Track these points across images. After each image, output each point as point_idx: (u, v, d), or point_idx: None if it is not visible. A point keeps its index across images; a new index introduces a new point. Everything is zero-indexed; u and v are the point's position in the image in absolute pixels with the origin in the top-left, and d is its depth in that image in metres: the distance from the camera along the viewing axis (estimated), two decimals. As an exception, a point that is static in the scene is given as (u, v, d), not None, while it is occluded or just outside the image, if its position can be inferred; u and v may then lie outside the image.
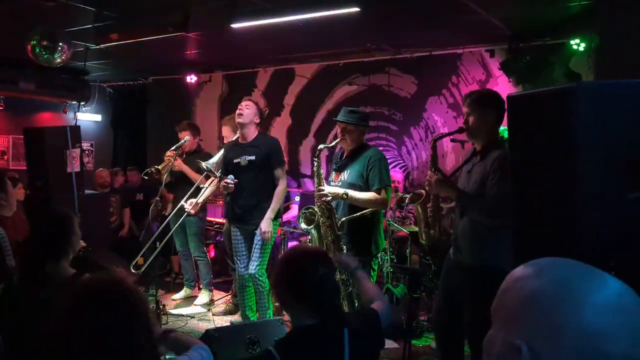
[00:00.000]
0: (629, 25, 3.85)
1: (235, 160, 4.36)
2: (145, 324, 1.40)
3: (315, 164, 3.72)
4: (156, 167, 5.27)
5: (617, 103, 1.89)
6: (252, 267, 4.32)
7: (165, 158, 5.28)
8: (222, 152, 4.66)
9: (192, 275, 5.91)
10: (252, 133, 4.37)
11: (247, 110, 4.29)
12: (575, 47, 5.18)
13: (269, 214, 4.26)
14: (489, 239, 2.94)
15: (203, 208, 5.84)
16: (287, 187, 6.37)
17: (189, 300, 5.78)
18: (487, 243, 2.95)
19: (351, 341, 1.82)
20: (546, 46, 5.46)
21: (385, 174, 3.66)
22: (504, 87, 5.79)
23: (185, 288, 5.89)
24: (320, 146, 3.79)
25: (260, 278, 4.34)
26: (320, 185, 3.65)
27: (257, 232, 4.28)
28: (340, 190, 3.61)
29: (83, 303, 1.36)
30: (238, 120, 4.30)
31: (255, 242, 4.32)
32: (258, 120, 4.38)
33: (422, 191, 3.39)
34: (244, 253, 4.43)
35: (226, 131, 5.17)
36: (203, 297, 5.65)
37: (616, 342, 0.72)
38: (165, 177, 5.24)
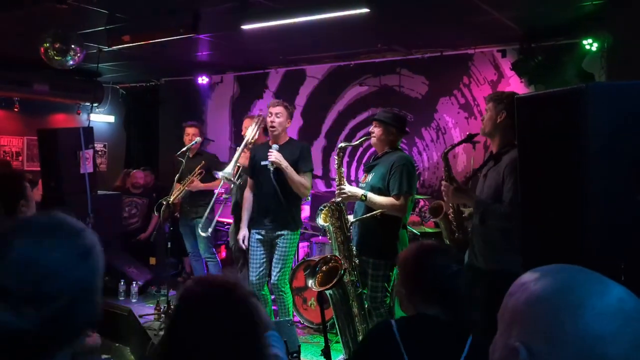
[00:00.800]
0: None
1: (262, 163, 4.21)
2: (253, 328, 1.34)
3: (337, 161, 3.71)
4: (168, 201, 5.23)
5: (628, 105, 1.87)
6: (274, 276, 4.20)
7: (176, 190, 5.31)
8: (237, 155, 4.38)
9: None
10: (283, 138, 4.26)
11: (278, 120, 4.15)
12: (587, 47, 5.12)
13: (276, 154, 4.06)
14: (503, 244, 2.91)
15: (211, 210, 5.85)
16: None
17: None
18: (501, 248, 2.93)
19: (472, 348, 1.79)
20: (558, 46, 5.41)
21: (406, 181, 3.55)
22: (515, 87, 5.75)
23: None
24: (342, 144, 3.77)
25: (283, 288, 4.23)
26: (341, 184, 3.64)
27: (279, 241, 4.17)
28: (360, 192, 3.60)
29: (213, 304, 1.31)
30: (272, 132, 4.15)
31: (277, 250, 4.19)
32: (289, 124, 4.27)
33: (441, 202, 3.36)
34: (261, 261, 4.27)
35: (247, 123, 5.13)
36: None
37: (615, 345, 0.72)
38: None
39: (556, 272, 0.82)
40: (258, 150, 4.37)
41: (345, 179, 3.70)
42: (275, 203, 4.14)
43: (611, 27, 4.63)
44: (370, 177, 3.74)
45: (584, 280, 0.79)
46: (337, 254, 3.63)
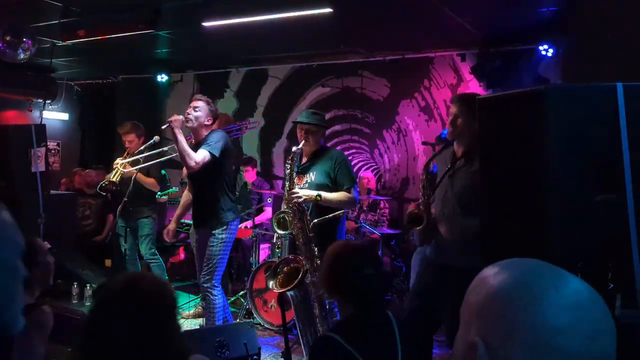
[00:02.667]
0: (596, 32, 3.93)
1: None
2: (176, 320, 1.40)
3: (288, 166, 3.69)
4: (110, 179, 5.00)
5: (586, 106, 1.91)
6: (200, 277, 4.02)
7: (114, 166, 5.07)
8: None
9: None
10: (200, 134, 4.06)
11: (194, 113, 3.99)
12: (544, 52, 5.28)
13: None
14: (473, 241, 2.94)
15: (156, 209, 5.74)
16: (260, 188, 6.35)
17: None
18: (471, 245, 2.95)
19: (401, 336, 1.95)
20: (516, 51, 5.56)
21: (352, 173, 3.76)
22: (474, 91, 5.86)
23: None
24: (294, 149, 3.76)
25: (209, 289, 3.99)
26: (292, 188, 3.62)
27: (209, 241, 3.96)
28: (314, 193, 3.59)
29: (127, 293, 1.34)
30: (186, 124, 3.99)
31: (206, 250, 3.99)
32: (209, 122, 4.05)
33: (420, 212, 3.27)
34: (200, 262, 4.10)
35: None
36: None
37: (571, 337, 0.72)
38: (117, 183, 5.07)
39: (514, 266, 0.82)
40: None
41: (296, 183, 3.69)
42: (199, 202, 4.06)
43: (566, 33, 4.78)
44: (310, 177, 3.74)
45: (540, 273, 0.79)
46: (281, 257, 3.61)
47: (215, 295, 3.99)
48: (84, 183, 6.91)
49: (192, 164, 3.78)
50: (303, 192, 3.61)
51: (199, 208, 4.09)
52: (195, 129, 4.01)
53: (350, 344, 1.86)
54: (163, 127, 3.95)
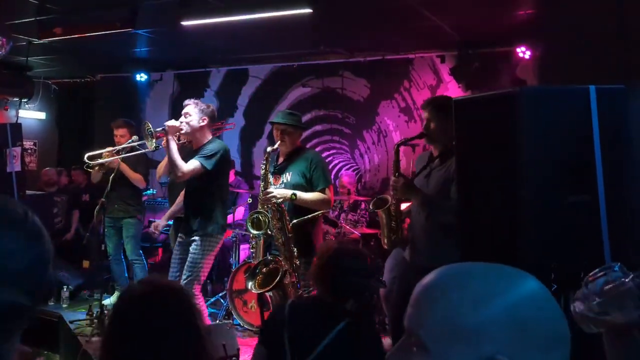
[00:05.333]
0: (571, 34, 4.00)
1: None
2: (197, 328, 1.37)
3: (263, 167, 3.68)
4: (103, 201, 4.87)
5: (559, 108, 1.94)
6: (182, 282, 3.88)
7: (104, 154, 4.99)
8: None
9: (125, 280, 5.72)
10: (201, 138, 3.97)
11: (186, 120, 3.90)
12: (521, 54, 5.35)
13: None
14: (447, 241, 2.97)
15: (142, 210, 5.68)
16: (239, 188, 6.32)
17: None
18: (443, 245, 2.98)
19: (340, 332, 2.01)
20: (494, 53, 5.63)
21: (327, 173, 3.75)
22: (454, 92, 5.91)
23: (116, 292, 5.69)
24: (268, 149, 3.74)
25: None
26: (267, 187, 3.61)
27: (191, 247, 3.89)
28: (289, 192, 3.58)
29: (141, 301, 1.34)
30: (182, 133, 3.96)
31: (189, 255, 3.90)
32: (205, 122, 3.94)
33: (387, 197, 3.37)
34: (176, 264, 4.03)
35: None
36: None
37: (467, 314, 0.74)
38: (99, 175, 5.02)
39: (446, 266, 0.86)
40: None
41: (270, 183, 3.68)
42: (190, 209, 3.99)
43: (543, 35, 4.85)
44: (287, 177, 3.74)
45: (461, 266, 0.84)
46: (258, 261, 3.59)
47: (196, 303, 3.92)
48: (43, 182, 6.84)
49: (179, 174, 3.77)
50: (278, 191, 3.60)
51: (189, 215, 4.02)
52: (191, 134, 3.94)
53: (291, 315, 2.04)
54: (159, 129, 3.86)
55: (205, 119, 3.94)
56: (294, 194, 3.56)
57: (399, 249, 3.72)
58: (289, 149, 3.77)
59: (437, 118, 3.05)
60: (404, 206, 3.38)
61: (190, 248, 3.91)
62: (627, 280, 1.13)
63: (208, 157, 3.82)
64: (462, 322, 0.74)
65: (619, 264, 1.17)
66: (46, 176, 6.88)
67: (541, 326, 0.74)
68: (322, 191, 3.65)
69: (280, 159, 3.84)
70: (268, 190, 3.59)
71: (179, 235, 4.14)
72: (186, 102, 4.03)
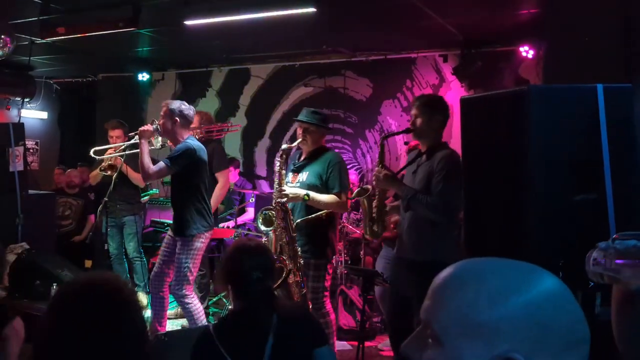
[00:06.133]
0: (574, 33, 4.00)
1: None
2: (136, 328, 1.26)
3: (278, 163, 3.66)
4: (106, 200, 4.88)
5: (567, 107, 1.94)
6: (171, 283, 3.96)
7: (108, 153, 5.01)
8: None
9: (127, 280, 5.73)
10: (177, 138, 4.00)
11: (161, 122, 3.98)
12: (524, 54, 5.35)
13: None
14: (432, 234, 3.05)
15: (141, 207, 5.70)
16: (242, 188, 6.33)
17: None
18: (430, 238, 3.06)
19: (279, 328, 2.00)
20: (497, 52, 5.62)
21: (345, 178, 3.67)
22: (456, 91, 5.91)
23: None
24: (284, 146, 3.74)
25: (183, 300, 3.93)
26: (281, 185, 3.60)
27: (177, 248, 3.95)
28: (302, 192, 3.57)
29: (72, 297, 1.25)
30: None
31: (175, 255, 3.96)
32: (178, 121, 3.99)
33: (369, 186, 3.46)
34: (160, 261, 4.07)
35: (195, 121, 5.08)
36: (142, 298, 5.48)
37: (483, 311, 0.74)
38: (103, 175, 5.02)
39: (463, 262, 0.84)
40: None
41: (285, 181, 3.67)
42: (173, 209, 4.04)
43: (546, 35, 4.84)
44: (303, 176, 3.73)
45: (475, 262, 0.81)
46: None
47: (189, 303, 3.93)
48: (65, 183, 6.80)
49: (145, 176, 3.94)
50: (291, 190, 3.59)
51: (174, 215, 4.07)
52: (166, 136, 4.02)
53: (220, 338, 1.96)
54: (133, 134, 3.97)
55: (176, 120, 3.96)
56: (307, 195, 3.54)
57: (388, 248, 3.78)
58: (311, 148, 3.75)
59: (424, 114, 3.14)
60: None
61: (176, 249, 3.96)
62: None
63: (172, 158, 3.87)
64: (477, 318, 0.74)
65: None
66: (69, 177, 6.82)
67: (559, 326, 0.73)
68: (338, 195, 3.60)
69: (303, 157, 3.83)
70: (282, 188, 3.58)
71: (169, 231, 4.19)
72: (163, 103, 4.11)
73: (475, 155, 2.11)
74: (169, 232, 4.15)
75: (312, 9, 4.27)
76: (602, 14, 3.78)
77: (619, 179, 1.90)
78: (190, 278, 3.93)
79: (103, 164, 4.98)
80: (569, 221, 1.87)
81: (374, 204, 3.39)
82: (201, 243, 3.98)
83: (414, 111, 3.20)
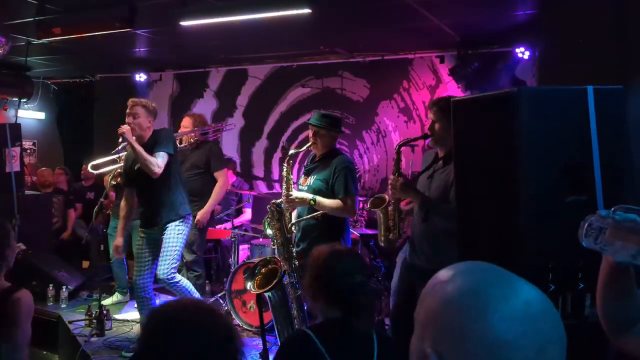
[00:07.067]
0: (570, 35, 4.00)
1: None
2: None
3: (285, 169, 3.65)
4: (102, 201, 4.88)
5: (558, 108, 1.94)
6: (164, 273, 3.98)
7: (111, 163, 5.00)
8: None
9: (125, 282, 5.72)
10: (146, 136, 4.07)
11: (136, 120, 4.02)
12: (520, 55, 5.36)
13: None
14: (447, 242, 2.96)
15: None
16: (240, 189, 6.33)
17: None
18: (445, 247, 2.97)
19: (380, 347, 1.91)
20: (493, 53, 5.63)
21: (351, 182, 3.60)
22: (453, 92, 5.91)
23: (117, 293, 5.69)
24: (291, 151, 3.74)
25: (176, 282, 4.01)
26: (289, 190, 3.60)
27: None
28: (309, 196, 3.57)
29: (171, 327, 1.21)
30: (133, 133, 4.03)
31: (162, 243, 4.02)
32: (151, 123, 4.10)
33: (385, 196, 3.39)
34: (149, 259, 4.10)
35: (187, 122, 5.08)
36: None
37: (519, 349, 0.71)
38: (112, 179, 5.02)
39: (465, 272, 0.81)
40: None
41: (293, 186, 3.66)
42: (153, 201, 4.08)
43: (542, 36, 4.85)
44: (311, 179, 3.73)
45: (491, 282, 0.78)
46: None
47: (179, 280, 4.04)
48: (39, 182, 6.86)
49: (157, 169, 3.88)
50: (298, 194, 3.59)
51: (154, 206, 4.07)
52: (139, 135, 4.02)
53: (324, 344, 1.85)
54: (120, 141, 3.98)
55: (152, 119, 4.11)
56: (314, 199, 3.54)
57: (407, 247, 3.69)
58: (321, 151, 3.73)
59: (442, 119, 3.03)
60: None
61: (165, 237, 3.99)
62: None
63: (166, 144, 3.97)
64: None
65: None
66: (42, 177, 6.88)
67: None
68: (343, 200, 3.56)
69: (315, 161, 3.82)
70: (290, 193, 3.58)
71: (142, 230, 4.15)
72: (133, 101, 4.14)
73: (467, 156, 2.12)
74: (145, 230, 4.13)
75: (307, 10, 4.27)
76: (597, 15, 3.78)
77: (610, 181, 1.90)
78: (178, 261, 4.07)
79: (109, 178, 5.00)
80: (560, 223, 1.87)
81: (390, 211, 3.32)
82: (187, 226, 4.14)
83: (431, 115, 3.12)
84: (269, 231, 3.68)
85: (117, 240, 4.31)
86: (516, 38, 5.31)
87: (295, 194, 3.57)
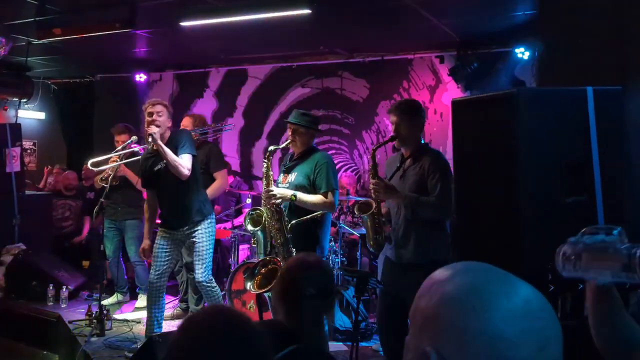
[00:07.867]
0: (570, 35, 4.01)
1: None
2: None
3: (265, 165, 3.68)
4: (102, 201, 4.88)
5: (557, 109, 1.95)
6: (200, 275, 4.06)
7: (110, 162, 4.99)
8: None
9: (124, 282, 5.72)
10: (166, 136, 4.06)
11: (160, 119, 3.99)
12: (520, 55, 5.36)
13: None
14: (430, 236, 3.08)
15: (143, 211, 5.68)
16: (239, 189, 6.33)
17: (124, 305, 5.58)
18: (429, 240, 3.08)
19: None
20: (493, 54, 5.64)
21: (332, 177, 3.68)
22: (453, 92, 5.92)
23: (116, 294, 5.69)
24: (271, 147, 3.76)
25: (212, 285, 4.10)
26: (268, 186, 3.62)
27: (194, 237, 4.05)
28: (289, 192, 3.59)
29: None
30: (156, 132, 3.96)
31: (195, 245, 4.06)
32: (170, 123, 4.09)
33: (371, 201, 3.43)
34: (167, 259, 4.10)
35: (186, 122, 5.09)
36: (143, 301, 5.47)
37: (520, 348, 0.72)
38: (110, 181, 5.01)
39: (464, 271, 0.81)
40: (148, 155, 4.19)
41: (273, 182, 3.69)
42: (179, 203, 4.05)
43: (541, 36, 4.85)
44: (292, 177, 3.75)
45: (490, 281, 0.78)
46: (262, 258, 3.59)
47: (216, 286, 4.13)
48: (63, 185, 6.81)
49: (186, 172, 3.89)
50: (279, 191, 3.60)
51: (179, 208, 4.06)
52: (161, 134, 4.01)
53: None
54: (150, 139, 3.92)
55: (170, 120, 4.12)
56: (294, 195, 3.56)
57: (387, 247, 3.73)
58: (300, 149, 3.77)
59: (405, 120, 3.19)
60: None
61: (193, 239, 4.03)
62: (621, 247, 1.10)
63: (189, 146, 3.99)
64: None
65: (620, 228, 1.13)
66: (67, 180, 6.82)
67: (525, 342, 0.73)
68: (325, 194, 3.60)
69: (293, 158, 3.85)
70: (269, 189, 3.59)
71: (164, 230, 4.12)
72: (155, 100, 4.14)
73: (466, 157, 2.12)
74: (163, 232, 4.12)
75: (307, 11, 4.28)
76: (596, 16, 3.79)
77: (609, 181, 1.91)
78: (211, 261, 4.14)
79: (103, 174, 4.97)
80: (559, 223, 1.88)
81: (376, 216, 3.37)
82: (214, 225, 4.19)
83: (394, 119, 3.24)
84: (250, 227, 3.70)
85: (145, 243, 4.27)
86: (516, 38, 5.32)
87: (275, 190, 3.59)
